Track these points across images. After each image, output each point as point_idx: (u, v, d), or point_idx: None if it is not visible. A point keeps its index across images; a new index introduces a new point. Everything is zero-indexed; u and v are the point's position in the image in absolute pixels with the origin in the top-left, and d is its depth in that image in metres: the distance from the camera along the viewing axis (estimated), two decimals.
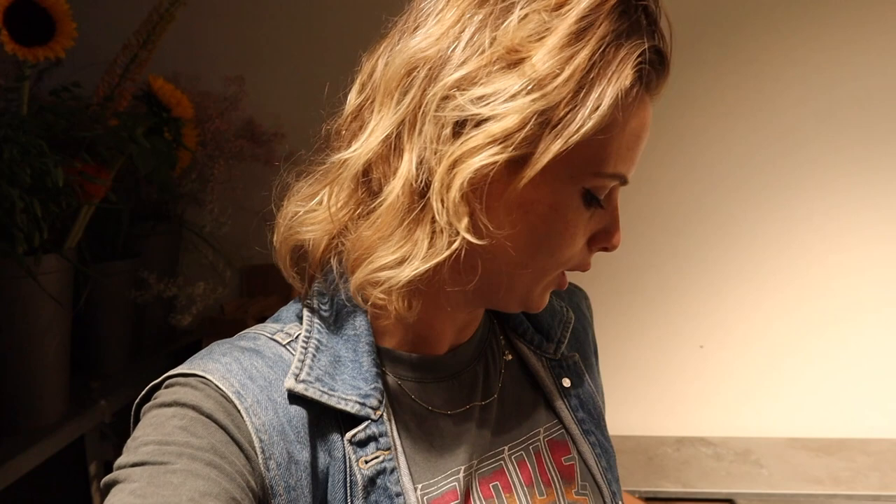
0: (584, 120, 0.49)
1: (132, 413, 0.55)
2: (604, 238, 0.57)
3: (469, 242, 0.51)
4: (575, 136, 0.49)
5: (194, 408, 0.50)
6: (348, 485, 0.54)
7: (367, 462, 0.54)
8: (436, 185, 0.50)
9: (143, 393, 0.55)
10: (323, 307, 0.59)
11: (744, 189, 1.79)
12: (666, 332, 1.86)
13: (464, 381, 0.63)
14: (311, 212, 0.57)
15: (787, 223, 1.79)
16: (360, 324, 0.58)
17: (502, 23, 0.49)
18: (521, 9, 0.49)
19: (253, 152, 1.55)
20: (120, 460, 0.49)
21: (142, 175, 1.19)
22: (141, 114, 1.23)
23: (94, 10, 1.21)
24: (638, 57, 0.50)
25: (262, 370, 0.54)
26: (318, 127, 0.59)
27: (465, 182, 0.49)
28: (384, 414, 0.56)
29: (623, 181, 0.55)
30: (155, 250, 1.45)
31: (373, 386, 0.56)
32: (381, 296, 0.53)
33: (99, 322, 1.45)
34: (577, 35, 0.49)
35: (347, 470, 0.54)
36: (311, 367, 0.55)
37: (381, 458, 0.55)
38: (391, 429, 0.57)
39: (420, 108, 0.51)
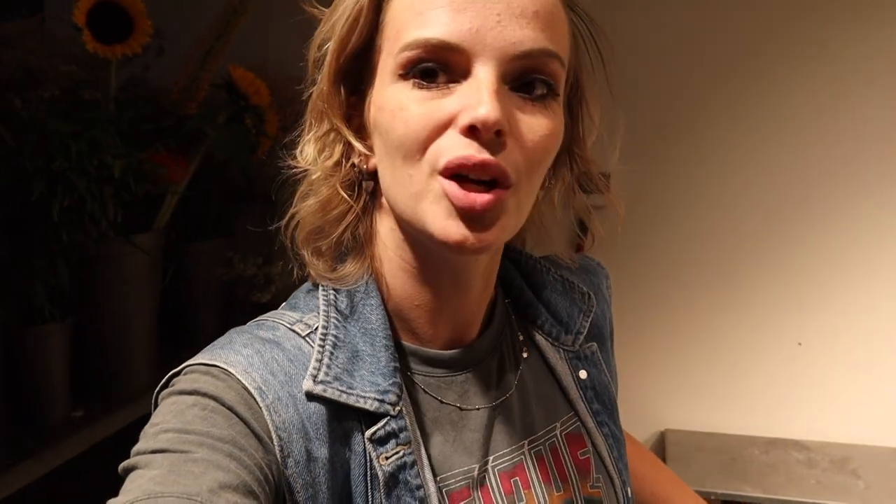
0: (342, 17, 0.54)
1: (153, 400, 0.55)
2: (465, 113, 0.49)
3: (376, 191, 0.58)
4: (338, 33, 0.54)
5: (215, 398, 0.50)
6: (369, 479, 0.54)
7: (387, 458, 0.54)
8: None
9: (163, 380, 0.55)
10: (339, 298, 0.59)
11: (851, 182, 1.65)
12: (762, 326, 1.75)
13: (480, 375, 0.62)
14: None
15: None
16: (377, 317, 0.58)
17: None
18: None
19: None
20: (139, 446, 0.49)
21: (219, 161, 1.25)
22: (220, 102, 1.28)
23: (169, 6, 1.27)
24: None
25: (282, 364, 0.54)
26: None
27: (315, 104, 0.57)
28: (403, 408, 0.56)
29: (436, 44, 0.50)
30: (246, 230, 1.51)
31: (391, 381, 0.56)
32: (318, 262, 0.58)
33: (189, 298, 1.54)
34: None
35: (368, 465, 0.54)
36: (328, 367, 0.55)
37: (401, 454, 0.55)
38: (410, 422, 0.56)
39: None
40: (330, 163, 0.57)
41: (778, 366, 1.75)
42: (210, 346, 0.56)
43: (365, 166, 0.58)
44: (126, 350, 1.32)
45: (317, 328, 0.57)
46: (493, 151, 0.50)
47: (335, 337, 0.56)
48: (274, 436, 0.50)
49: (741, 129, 1.72)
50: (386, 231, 0.59)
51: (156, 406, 0.54)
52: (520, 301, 0.69)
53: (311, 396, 0.53)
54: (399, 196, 0.54)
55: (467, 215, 0.51)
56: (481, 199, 0.50)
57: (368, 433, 0.54)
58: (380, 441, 0.54)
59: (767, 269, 1.73)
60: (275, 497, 0.50)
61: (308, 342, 0.56)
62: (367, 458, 0.54)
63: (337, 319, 0.57)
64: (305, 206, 0.58)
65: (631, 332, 1.64)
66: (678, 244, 1.79)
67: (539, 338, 0.68)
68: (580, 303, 0.70)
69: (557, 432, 0.66)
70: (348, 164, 0.58)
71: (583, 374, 0.68)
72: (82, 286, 1.20)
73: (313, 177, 0.57)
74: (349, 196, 0.58)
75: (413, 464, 0.55)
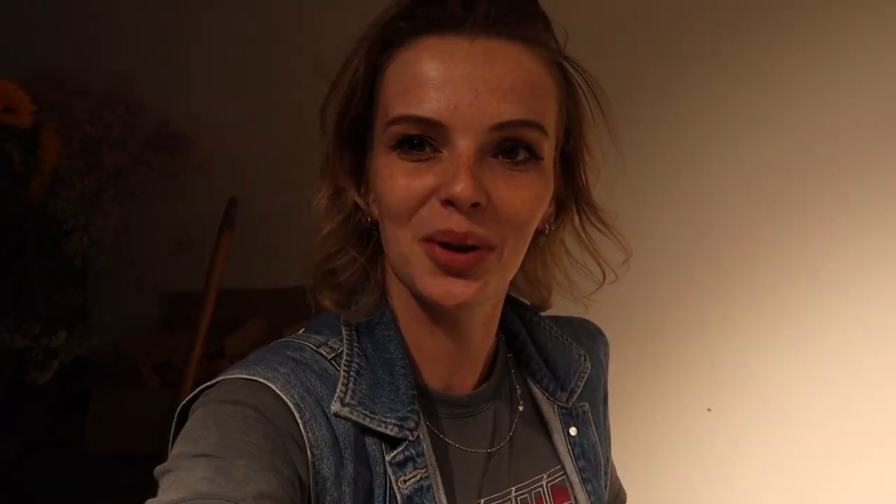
0: (340, 91, 0.59)
1: (176, 414, 0.57)
2: (444, 188, 0.54)
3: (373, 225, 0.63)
4: (337, 105, 0.60)
5: (256, 409, 0.52)
6: (388, 500, 0.57)
7: (405, 481, 0.57)
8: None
9: (192, 394, 0.56)
10: (361, 328, 0.62)
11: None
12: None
13: (481, 420, 0.66)
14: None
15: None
16: (394, 348, 0.61)
17: None
18: None
19: (151, 160, 1.27)
20: (178, 450, 0.50)
21: None
22: None
23: None
24: (392, 18, 0.57)
25: (314, 384, 0.57)
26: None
27: (324, 166, 0.63)
28: (420, 434, 0.59)
29: (419, 121, 0.55)
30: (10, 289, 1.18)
31: (410, 408, 0.59)
32: (324, 286, 0.63)
33: None
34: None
35: (388, 487, 0.57)
36: (353, 392, 0.58)
37: (418, 477, 0.58)
38: (427, 448, 0.60)
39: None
40: (340, 217, 0.62)
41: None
42: (241, 362, 0.58)
43: (369, 219, 0.62)
44: None
45: (341, 352, 0.60)
46: (472, 221, 0.54)
47: (358, 364, 0.60)
48: (309, 452, 0.53)
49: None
50: (393, 276, 0.63)
51: (182, 421, 0.55)
52: (522, 354, 0.72)
53: (338, 417, 0.56)
54: (391, 254, 0.59)
55: (449, 271, 0.55)
56: (461, 257, 0.55)
57: (389, 457, 0.57)
58: (399, 465, 0.57)
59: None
60: None
61: (333, 365, 0.59)
62: (388, 480, 0.57)
63: (359, 348, 0.61)
64: (318, 254, 0.63)
65: None
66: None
67: (536, 390, 0.72)
68: (576, 363, 0.73)
69: (544, 483, 0.69)
70: (358, 217, 0.63)
71: (573, 430, 0.71)
72: None
73: (324, 231, 0.63)
74: (357, 246, 0.63)
75: (429, 488, 0.58)
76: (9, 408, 1.24)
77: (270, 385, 0.54)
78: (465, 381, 0.66)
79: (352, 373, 0.59)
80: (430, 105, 0.54)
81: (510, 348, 0.72)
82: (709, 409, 1.54)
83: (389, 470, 0.57)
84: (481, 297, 0.58)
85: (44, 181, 1.12)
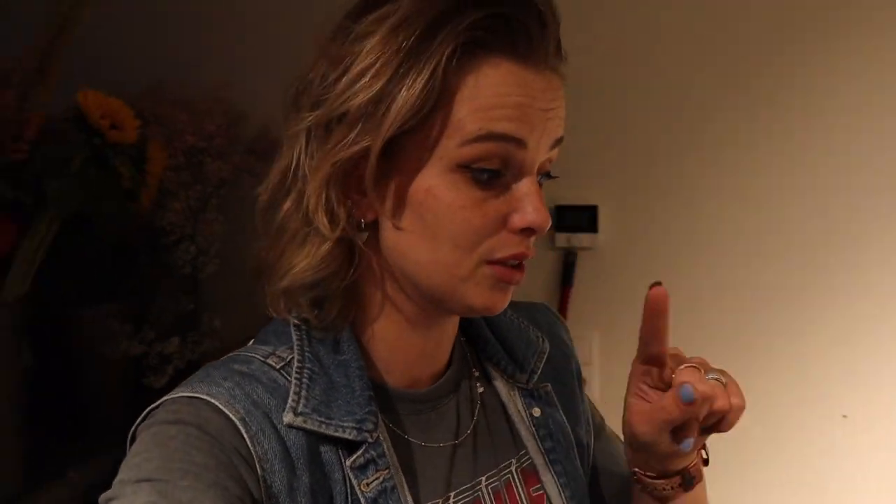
0: (405, 97, 0.53)
1: (129, 439, 0.55)
2: (518, 217, 0.56)
3: (373, 245, 0.59)
4: (401, 113, 0.53)
5: (198, 427, 0.51)
6: None
7: (368, 485, 0.56)
8: (307, 189, 0.56)
9: (141, 416, 0.55)
10: (312, 332, 0.61)
11: None
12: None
13: (443, 413, 0.66)
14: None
15: None
16: (348, 348, 0.60)
17: (346, 43, 0.56)
18: (360, 26, 0.55)
19: (254, 167, 1.27)
20: (121, 476, 0.49)
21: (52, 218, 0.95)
22: (61, 143, 0.98)
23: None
24: (467, 27, 0.53)
25: (262, 396, 0.55)
26: None
27: (321, 178, 0.55)
28: (380, 435, 0.58)
29: (512, 141, 0.54)
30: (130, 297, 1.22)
31: (367, 410, 0.58)
32: (294, 308, 0.60)
33: (81, 382, 1.26)
34: (397, 27, 0.53)
35: (349, 493, 0.56)
36: (307, 399, 0.56)
37: (381, 479, 0.57)
38: (387, 448, 0.59)
39: (296, 132, 0.58)
40: (337, 234, 0.57)
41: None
42: (187, 380, 0.57)
43: (363, 221, 0.59)
44: None
45: (290, 360, 0.59)
46: (530, 241, 0.58)
47: (310, 370, 0.58)
48: (258, 466, 0.52)
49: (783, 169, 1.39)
50: (380, 284, 0.61)
51: (133, 441, 0.54)
52: (479, 338, 0.72)
53: (291, 427, 0.55)
54: (435, 277, 0.57)
55: (507, 287, 0.59)
56: (518, 274, 0.59)
57: (349, 461, 0.57)
58: (360, 468, 0.57)
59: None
60: None
61: (283, 374, 0.58)
62: (349, 486, 0.56)
63: (310, 353, 0.59)
64: (300, 264, 0.58)
65: None
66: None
67: (494, 373, 0.71)
68: (534, 344, 0.74)
69: (513, 468, 0.69)
70: (351, 223, 0.58)
71: (536, 411, 0.71)
72: None
73: (324, 248, 0.57)
74: (349, 264, 0.59)
75: (393, 488, 0.57)
76: (130, 409, 1.28)
77: (213, 401, 0.53)
78: (426, 374, 0.66)
79: (304, 380, 0.57)
80: (516, 125, 0.54)
81: (464, 333, 0.72)
82: (844, 416, 1.41)
83: (350, 474, 0.56)
84: None
85: (152, 194, 1.14)
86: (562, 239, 1.55)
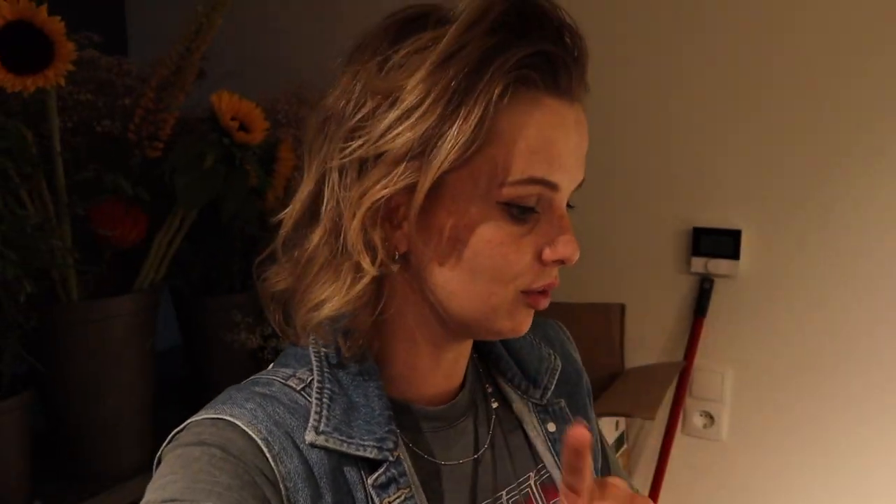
0: (456, 136, 0.52)
1: (155, 462, 0.56)
2: (551, 250, 0.57)
3: (403, 275, 0.59)
4: (452, 153, 0.53)
5: (222, 448, 0.52)
6: None
7: (390, 503, 0.57)
8: (344, 224, 0.56)
9: (167, 440, 0.56)
10: (330, 354, 0.61)
11: None
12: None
13: (459, 431, 0.66)
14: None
15: None
16: (367, 369, 0.61)
17: (383, 72, 0.55)
18: (398, 55, 0.54)
19: None
20: (148, 497, 0.50)
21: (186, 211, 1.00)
22: (194, 142, 1.03)
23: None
24: (514, 66, 0.53)
25: (283, 416, 0.56)
26: None
27: (363, 215, 0.54)
28: (400, 454, 0.59)
29: (550, 186, 0.56)
30: (249, 295, 1.28)
31: (387, 429, 0.58)
32: (320, 338, 0.60)
33: (210, 362, 1.35)
34: (444, 62, 0.53)
35: None
36: (328, 418, 0.57)
37: (402, 497, 0.58)
38: (408, 467, 0.59)
39: (328, 160, 0.56)
40: (378, 258, 0.57)
41: None
42: (210, 403, 0.57)
43: (397, 253, 0.59)
44: (102, 425, 1.13)
45: (311, 381, 0.59)
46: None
47: (331, 390, 0.59)
48: (281, 486, 0.53)
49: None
50: (406, 309, 0.61)
51: (158, 463, 0.55)
52: (491, 354, 0.73)
53: (314, 447, 0.56)
54: (469, 304, 0.58)
55: (532, 311, 0.60)
56: (545, 300, 0.60)
57: (370, 480, 0.57)
58: (382, 486, 0.57)
59: None
60: None
61: (303, 395, 0.59)
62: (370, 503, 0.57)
63: (330, 374, 0.60)
64: (334, 297, 0.57)
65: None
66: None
67: (507, 389, 0.72)
68: (546, 360, 0.74)
69: (532, 482, 0.69)
70: (388, 256, 0.58)
71: (551, 426, 0.72)
72: (45, 357, 1.02)
73: (358, 286, 0.57)
74: (380, 288, 0.59)
75: None
76: None
77: (236, 422, 0.54)
78: (443, 392, 0.66)
79: (324, 400, 0.58)
80: (556, 170, 0.56)
81: (476, 350, 0.72)
82: None
83: (372, 492, 0.57)
84: None
85: (278, 192, 1.18)
86: (698, 264, 1.44)
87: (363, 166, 0.55)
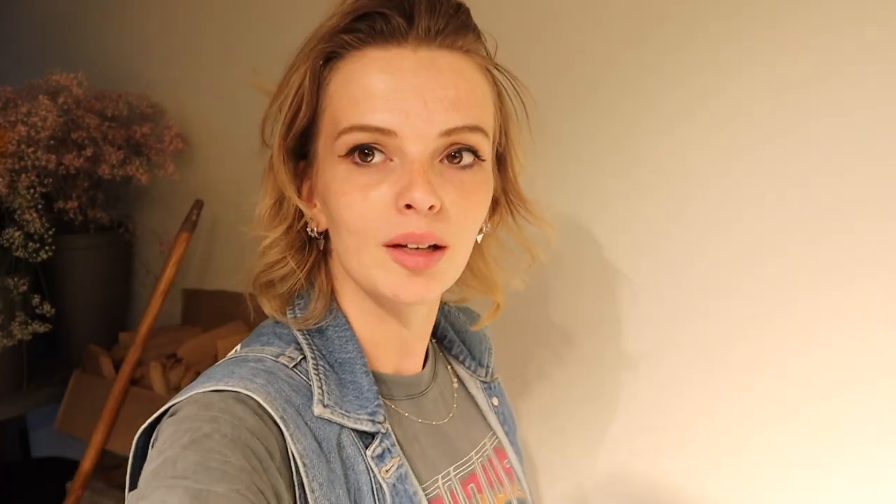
0: (286, 106, 0.61)
1: (138, 437, 0.56)
2: (402, 195, 0.57)
3: (325, 239, 0.66)
4: (286, 121, 0.61)
5: (234, 426, 0.51)
6: (375, 493, 0.58)
7: (387, 472, 0.60)
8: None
9: (157, 413, 0.55)
10: (314, 333, 0.64)
11: None
12: None
13: (430, 398, 0.72)
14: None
15: None
16: (352, 347, 0.63)
17: None
18: None
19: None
20: (153, 469, 0.48)
21: None
22: None
23: None
24: (330, 33, 0.59)
25: (290, 394, 0.57)
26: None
27: (268, 185, 0.64)
28: (388, 427, 0.62)
29: (377, 130, 0.56)
30: None
31: (376, 403, 0.61)
32: (278, 308, 0.65)
33: None
34: (294, 55, 0.62)
35: (373, 481, 0.58)
36: (328, 393, 0.59)
37: (396, 465, 0.60)
38: (396, 437, 0.63)
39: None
40: (282, 227, 0.63)
41: None
42: (207, 376, 0.57)
43: (316, 227, 0.64)
44: None
45: (301, 360, 0.62)
46: (429, 223, 0.57)
47: (324, 367, 0.61)
48: (300, 463, 0.53)
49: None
50: (345, 280, 0.65)
51: (145, 440, 0.55)
52: (445, 339, 0.80)
53: (321, 420, 0.57)
54: (350, 263, 0.61)
55: (413, 274, 0.59)
56: (424, 260, 0.58)
57: (369, 452, 0.60)
58: (379, 457, 0.60)
59: None
60: None
61: (297, 373, 0.60)
62: (371, 474, 0.59)
63: (318, 352, 0.63)
64: (261, 263, 0.64)
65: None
66: None
67: (461, 370, 0.80)
68: (484, 341, 0.82)
69: (488, 446, 0.77)
70: (300, 226, 0.64)
71: (495, 401, 0.81)
72: None
73: (266, 241, 0.63)
74: (299, 255, 0.64)
75: (406, 474, 0.61)
76: None
77: (254, 396, 0.54)
78: (411, 364, 0.71)
79: (321, 375, 0.60)
80: (381, 115, 0.56)
81: (433, 335, 0.78)
82: None
83: (371, 463, 0.59)
84: (439, 293, 0.64)
85: None
86: None
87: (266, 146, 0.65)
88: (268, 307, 0.65)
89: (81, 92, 1.42)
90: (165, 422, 0.53)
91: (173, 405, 0.55)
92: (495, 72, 0.65)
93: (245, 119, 1.56)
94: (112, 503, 1.36)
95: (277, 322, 0.66)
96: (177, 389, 1.35)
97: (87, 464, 1.31)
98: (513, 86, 0.66)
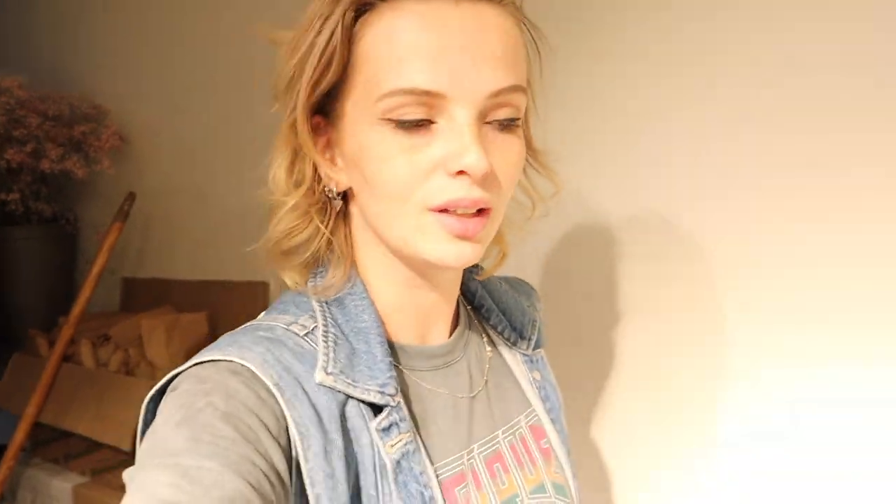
0: (313, 62, 0.55)
1: (146, 403, 0.55)
2: (454, 160, 0.54)
3: (355, 210, 0.62)
4: (313, 77, 0.55)
5: (227, 397, 0.50)
6: (377, 468, 0.56)
7: (392, 446, 0.57)
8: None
9: (162, 381, 0.55)
10: (332, 301, 0.62)
11: None
12: None
13: (457, 370, 0.67)
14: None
15: None
16: (368, 317, 0.61)
17: None
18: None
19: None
20: (147, 447, 0.49)
21: None
22: None
23: None
24: None
25: (291, 362, 0.55)
26: None
27: (284, 147, 0.60)
28: (400, 400, 0.59)
29: (426, 94, 0.53)
30: None
31: (389, 375, 0.58)
32: (296, 274, 0.63)
33: None
34: (312, 6, 0.56)
35: (376, 455, 0.56)
36: (335, 361, 0.57)
37: (403, 441, 0.58)
38: (408, 412, 0.60)
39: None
40: (302, 189, 0.60)
41: None
42: (211, 346, 0.56)
43: (335, 189, 0.61)
44: None
45: (314, 328, 0.59)
46: (479, 188, 0.55)
47: (335, 335, 0.59)
48: (294, 431, 0.52)
49: None
50: (368, 245, 0.63)
51: (152, 410, 0.54)
52: (483, 308, 0.75)
53: (322, 388, 0.55)
54: (388, 228, 0.58)
55: (459, 239, 0.56)
56: (473, 225, 0.55)
57: (374, 423, 0.57)
58: (385, 430, 0.57)
59: None
60: (293, 496, 0.52)
61: (307, 341, 0.58)
62: (375, 448, 0.56)
63: (333, 320, 0.60)
64: (279, 230, 0.61)
65: None
66: None
67: (498, 340, 0.75)
68: (528, 314, 0.77)
69: (523, 423, 0.71)
70: (320, 188, 0.61)
71: (536, 375, 0.75)
72: None
73: (287, 205, 0.60)
74: (322, 217, 0.61)
75: (415, 451, 0.58)
76: None
77: (248, 364, 0.53)
78: (439, 333, 0.67)
79: (330, 342, 0.58)
80: (428, 76, 0.52)
81: (469, 303, 0.75)
82: None
83: (376, 436, 0.57)
84: (481, 255, 0.60)
85: None
86: None
87: (281, 104, 0.60)
88: (289, 278, 0.63)
89: (24, 94, 1.53)
90: (166, 396, 0.53)
91: (176, 374, 0.55)
92: (523, 23, 0.61)
93: (179, 119, 1.76)
94: (46, 475, 1.46)
95: (301, 290, 0.63)
96: (105, 365, 1.46)
97: (20, 435, 1.40)
98: (532, 37, 0.62)
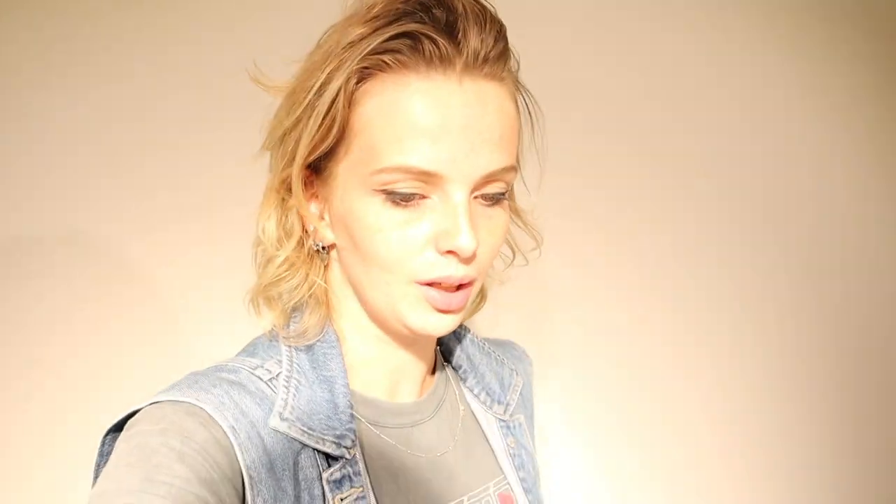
0: (311, 130, 0.55)
1: (101, 441, 0.55)
2: (445, 239, 0.55)
3: (339, 266, 0.63)
4: (308, 144, 0.56)
5: (182, 438, 0.50)
6: None
7: (342, 500, 0.56)
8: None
9: (118, 419, 0.54)
10: (302, 348, 0.62)
11: None
12: None
13: (424, 430, 0.66)
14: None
15: None
16: (335, 366, 0.61)
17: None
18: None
19: None
20: (101, 487, 0.48)
21: None
22: None
23: None
24: (368, 53, 0.53)
25: (249, 405, 0.55)
26: None
27: (271, 199, 0.61)
28: (356, 453, 0.58)
29: (423, 174, 0.54)
30: None
31: (347, 427, 0.58)
32: (277, 316, 0.63)
33: None
34: (310, 66, 0.57)
35: None
36: (293, 407, 0.57)
37: (354, 496, 0.57)
38: (363, 467, 0.59)
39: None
40: (293, 242, 0.61)
41: None
42: (171, 386, 0.56)
43: (321, 242, 0.62)
44: None
45: (278, 375, 0.59)
46: (465, 265, 0.56)
47: (297, 381, 0.59)
48: (245, 476, 0.51)
49: None
50: (346, 299, 0.64)
51: (108, 445, 0.54)
52: (459, 369, 0.74)
53: (276, 434, 0.55)
54: (372, 292, 0.59)
55: (444, 313, 0.58)
56: (457, 300, 0.57)
57: (326, 474, 0.56)
58: (337, 482, 0.57)
59: None
60: None
61: (269, 386, 0.58)
62: (325, 499, 0.56)
63: (299, 366, 0.60)
64: (265, 276, 0.62)
65: None
66: None
67: (474, 403, 0.73)
68: (509, 378, 0.77)
69: (491, 491, 0.69)
70: (309, 241, 0.62)
71: (511, 441, 0.73)
72: None
73: (279, 258, 0.61)
74: (307, 270, 0.62)
75: None
76: None
77: (203, 406, 0.52)
78: (409, 390, 0.67)
79: (291, 389, 0.58)
80: (428, 158, 0.53)
81: (446, 360, 0.75)
82: None
83: (326, 487, 0.56)
84: (461, 322, 0.62)
85: None
86: None
87: (273, 157, 0.62)
88: (268, 320, 0.63)
89: None
90: (121, 436, 0.52)
91: (130, 414, 0.54)
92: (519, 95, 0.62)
93: None
94: None
95: (274, 334, 0.64)
96: None
97: None
98: (526, 106, 0.63)
